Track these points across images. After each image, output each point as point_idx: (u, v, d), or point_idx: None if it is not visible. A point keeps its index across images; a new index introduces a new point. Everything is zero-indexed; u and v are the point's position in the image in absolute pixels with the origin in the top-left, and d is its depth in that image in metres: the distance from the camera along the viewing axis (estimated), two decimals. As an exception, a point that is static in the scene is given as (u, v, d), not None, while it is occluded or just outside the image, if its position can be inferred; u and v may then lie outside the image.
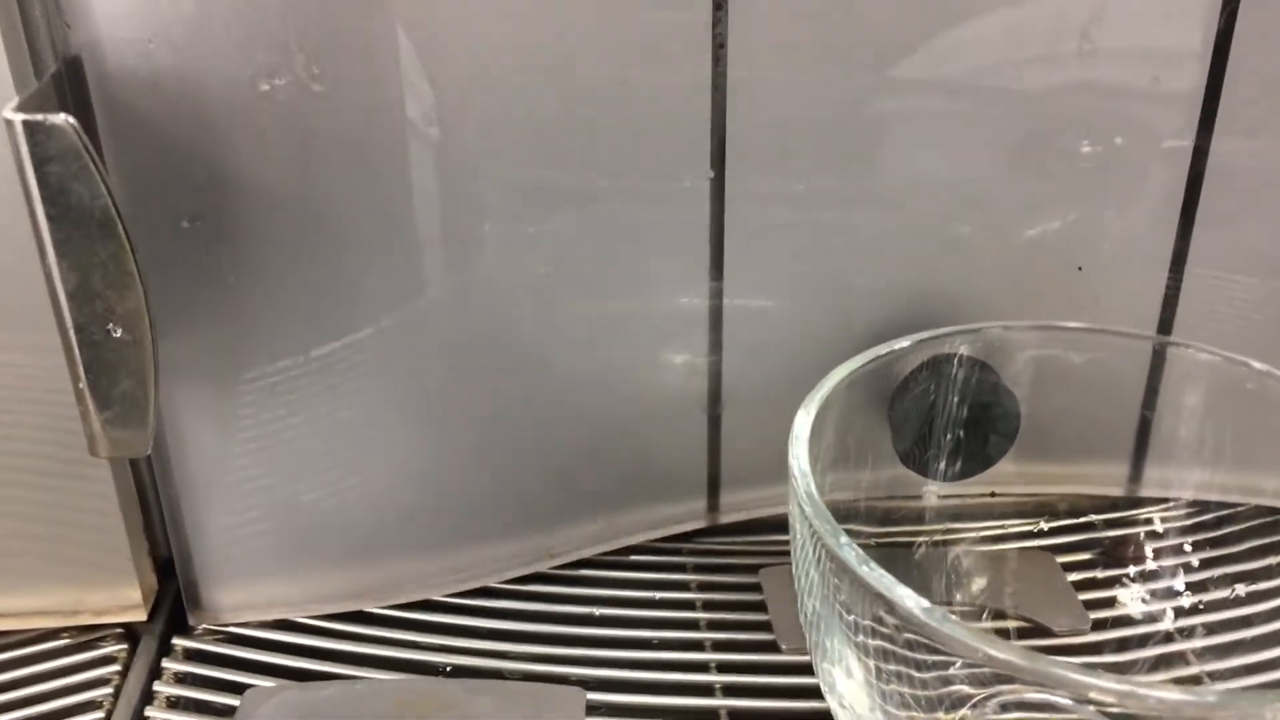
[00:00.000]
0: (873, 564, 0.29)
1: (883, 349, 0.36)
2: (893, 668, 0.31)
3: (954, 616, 0.28)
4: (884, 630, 0.30)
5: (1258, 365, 0.36)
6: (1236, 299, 0.45)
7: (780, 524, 0.47)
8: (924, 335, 0.37)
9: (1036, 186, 0.43)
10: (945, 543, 0.41)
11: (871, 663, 0.31)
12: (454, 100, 0.38)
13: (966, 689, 0.33)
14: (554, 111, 0.40)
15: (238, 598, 0.43)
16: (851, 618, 0.31)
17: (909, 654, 0.30)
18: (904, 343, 0.37)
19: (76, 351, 0.34)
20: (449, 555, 0.44)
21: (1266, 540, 0.38)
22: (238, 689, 0.40)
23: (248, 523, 0.43)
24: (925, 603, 0.28)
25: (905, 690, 0.32)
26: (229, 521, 0.42)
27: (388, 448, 0.43)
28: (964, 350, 0.40)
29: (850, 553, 0.29)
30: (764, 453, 0.43)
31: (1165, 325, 0.45)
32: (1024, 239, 0.44)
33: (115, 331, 0.34)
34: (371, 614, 0.43)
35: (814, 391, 0.34)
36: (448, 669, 0.41)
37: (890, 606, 0.28)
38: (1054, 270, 0.44)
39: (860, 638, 0.31)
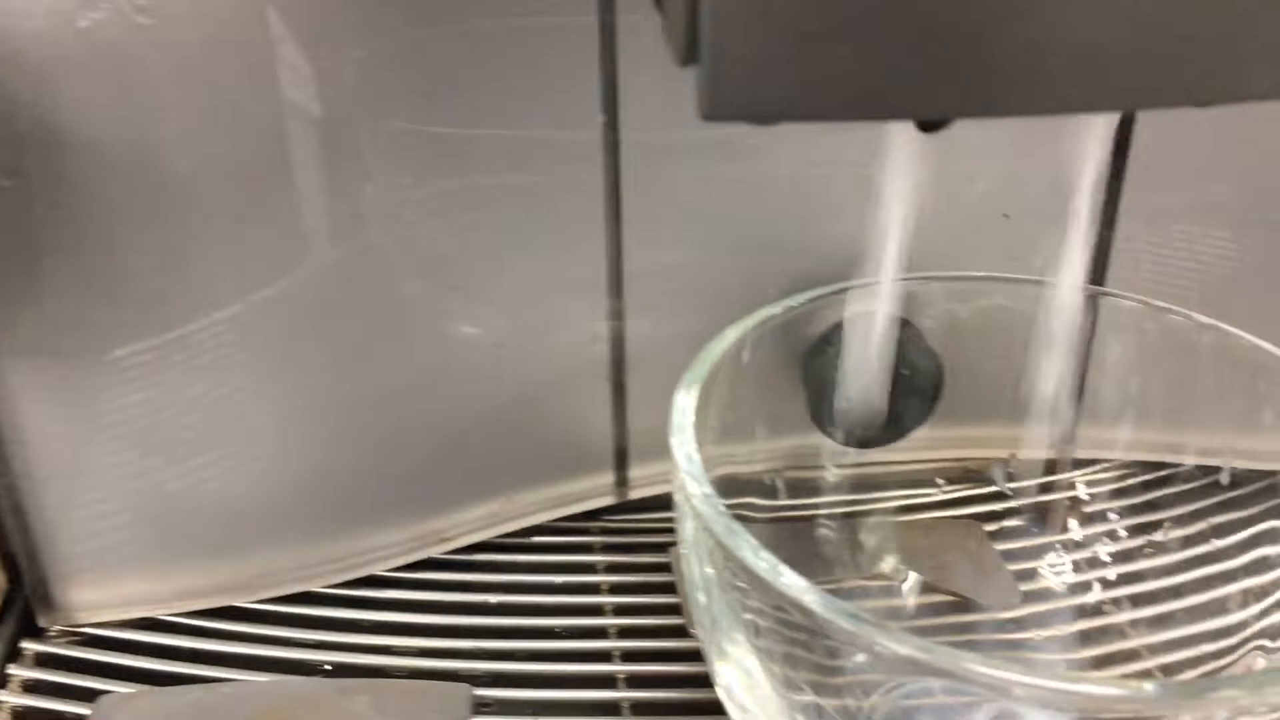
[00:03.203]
0: (769, 557, 0.26)
1: (776, 308, 0.33)
2: (798, 656, 0.28)
3: (860, 612, 0.24)
4: (786, 631, 0.27)
5: (1191, 315, 0.33)
6: (1170, 248, 0.42)
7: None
8: (821, 291, 0.34)
9: (962, 134, 0.40)
10: (864, 514, 0.38)
11: (772, 647, 0.28)
12: (321, 36, 0.35)
13: (877, 676, 0.30)
14: (438, 56, 0.36)
15: (94, 595, 0.39)
16: (749, 617, 0.28)
17: (814, 648, 0.27)
18: (798, 300, 0.33)
19: None
20: (329, 543, 0.40)
21: (1198, 505, 0.35)
22: (95, 696, 0.36)
23: (104, 514, 0.39)
24: (832, 601, 0.25)
25: (813, 676, 0.29)
26: (82, 513, 0.38)
27: (259, 428, 0.39)
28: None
29: (746, 547, 0.26)
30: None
31: (1098, 277, 0.43)
32: (951, 188, 0.41)
33: (-89, 301, 0.30)
34: (244, 609, 0.40)
35: (695, 363, 0.30)
36: (327, 667, 0.38)
37: (794, 605, 0.25)
38: (982, 220, 0.41)
39: (761, 641, 0.28)
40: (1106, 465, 0.37)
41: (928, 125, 0.23)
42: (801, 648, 0.27)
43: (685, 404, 0.29)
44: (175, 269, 0.36)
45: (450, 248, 0.39)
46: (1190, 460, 0.34)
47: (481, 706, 0.36)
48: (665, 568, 0.42)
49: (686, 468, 0.27)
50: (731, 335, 0.32)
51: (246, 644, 0.38)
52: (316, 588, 0.40)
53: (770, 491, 0.35)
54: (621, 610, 0.40)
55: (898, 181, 0.29)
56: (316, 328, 0.39)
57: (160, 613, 0.39)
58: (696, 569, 0.28)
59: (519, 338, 0.40)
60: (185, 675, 0.37)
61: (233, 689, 0.36)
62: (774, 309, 0.33)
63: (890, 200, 0.29)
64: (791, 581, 0.25)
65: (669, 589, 0.41)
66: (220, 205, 0.36)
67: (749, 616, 0.28)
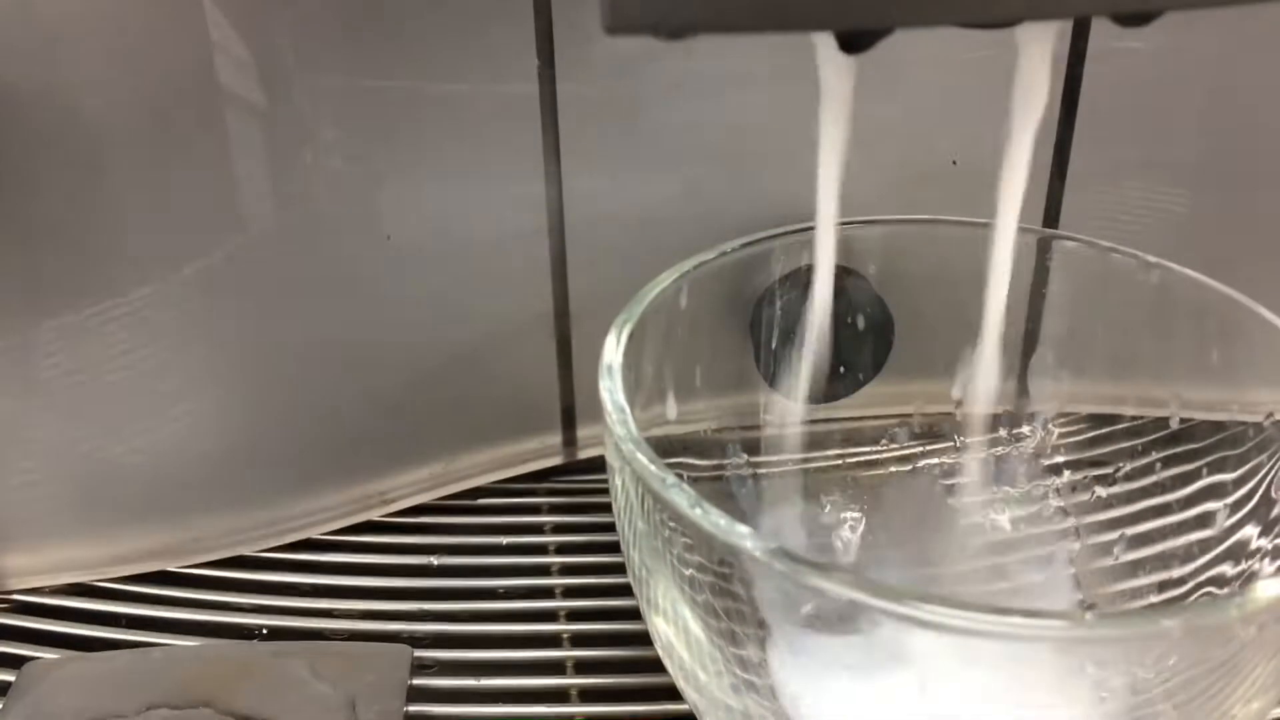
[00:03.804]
0: (707, 506, 0.25)
1: (710, 252, 0.32)
2: (734, 608, 0.27)
3: (804, 557, 0.24)
4: (722, 584, 0.26)
5: (1137, 254, 0.32)
6: (1124, 204, 0.42)
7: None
8: (755, 236, 0.33)
9: (910, 80, 0.39)
10: (812, 470, 0.37)
11: (708, 600, 0.27)
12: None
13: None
14: (369, 6, 0.35)
15: (25, 561, 0.38)
16: (689, 572, 0.27)
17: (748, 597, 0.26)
18: (732, 244, 0.32)
19: None
20: (265, 506, 0.39)
21: (1149, 458, 0.34)
22: (25, 664, 0.35)
23: (35, 480, 0.38)
24: (770, 545, 0.24)
25: (749, 629, 0.28)
26: (12, 480, 0.37)
27: (190, 391, 0.38)
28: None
29: (681, 496, 0.25)
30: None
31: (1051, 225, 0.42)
32: (899, 134, 0.40)
33: None
34: (179, 574, 0.39)
35: (628, 306, 0.30)
36: (263, 631, 0.37)
37: (732, 552, 0.24)
38: (930, 167, 0.40)
39: (699, 595, 0.27)
40: (1059, 416, 0.37)
41: (849, 44, 0.22)
42: (736, 599, 0.27)
43: (615, 346, 0.28)
44: (100, 231, 0.35)
45: (384, 200, 0.37)
46: (1139, 409, 0.34)
47: (422, 668, 0.35)
48: (613, 527, 0.41)
49: (614, 412, 0.27)
50: (666, 279, 0.31)
51: (180, 609, 0.37)
52: (249, 552, 0.39)
53: (711, 448, 0.34)
54: (568, 570, 0.39)
55: (832, 120, 0.28)
56: (248, 286, 0.37)
57: (92, 578, 0.38)
58: (625, 521, 0.27)
59: (458, 293, 0.39)
60: (118, 640, 0.36)
61: (163, 654, 0.35)
62: (707, 254, 0.32)
63: (826, 139, 0.28)
64: (720, 521, 0.24)
65: (617, 548, 0.40)
66: (144, 165, 0.35)
67: (688, 572, 0.27)
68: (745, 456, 0.36)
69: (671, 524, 0.26)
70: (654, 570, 0.28)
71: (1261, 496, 0.29)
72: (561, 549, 0.40)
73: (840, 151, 0.28)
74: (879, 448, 0.38)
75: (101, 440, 0.38)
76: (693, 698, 0.29)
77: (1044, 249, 0.34)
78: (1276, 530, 0.29)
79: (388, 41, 0.36)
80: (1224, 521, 0.31)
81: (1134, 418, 0.34)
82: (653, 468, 0.25)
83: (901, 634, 0.24)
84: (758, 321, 0.37)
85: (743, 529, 0.24)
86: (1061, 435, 0.36)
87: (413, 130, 0.37)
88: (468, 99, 0.37)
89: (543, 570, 0.40)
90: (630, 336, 0.29)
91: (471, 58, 0.36)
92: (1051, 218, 0.42)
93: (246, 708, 0.33)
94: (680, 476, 0.34)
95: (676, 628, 0.29)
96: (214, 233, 0.37)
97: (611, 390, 0.27)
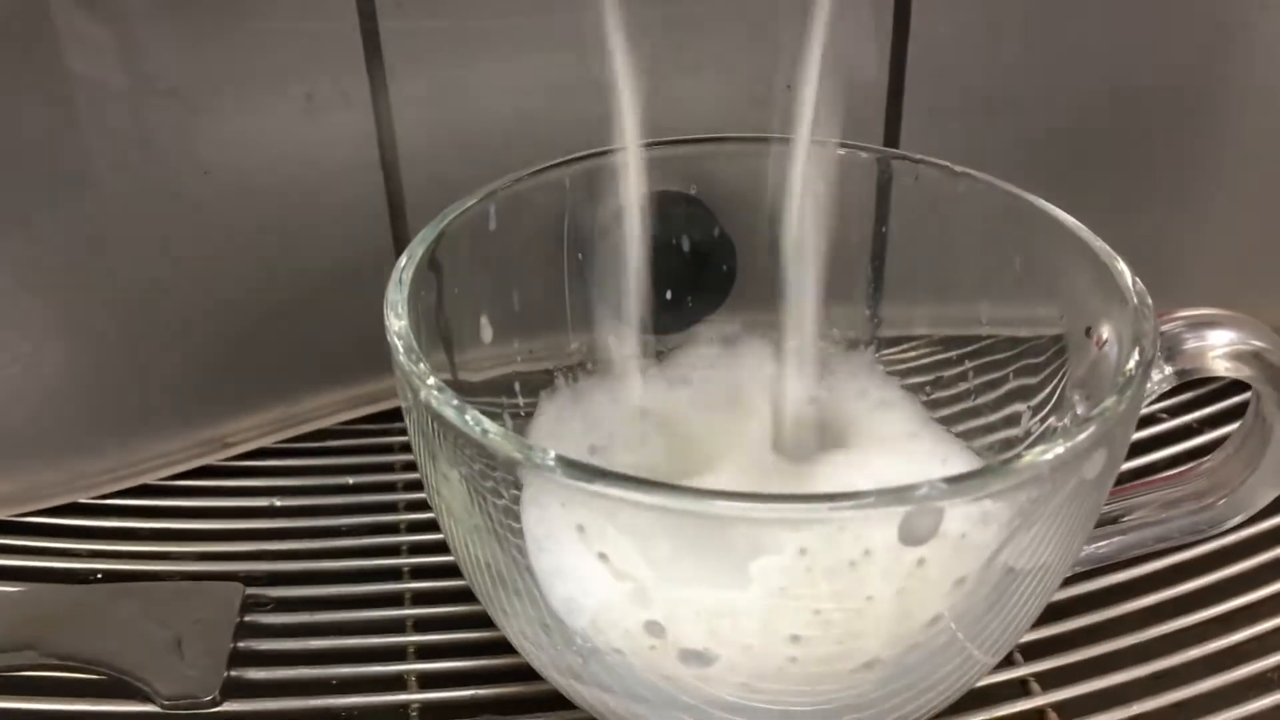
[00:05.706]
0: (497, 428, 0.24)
1: (506, 178, 0.31)
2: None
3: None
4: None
5: (954, 168, 0.33)
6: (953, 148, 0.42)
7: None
8: (557, 160, 0.33)
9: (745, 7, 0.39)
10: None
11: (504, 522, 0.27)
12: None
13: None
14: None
15: None
16: (502, 503, 0.26)
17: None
18: (532, 169, 0.32)
19: None
20: (102, 454, 0.39)
21: (997, 374, 0.35)
22: None
23: None
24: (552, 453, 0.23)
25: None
26: None
27: (24, 338, 0.37)
28: (659, 182, 0.36)
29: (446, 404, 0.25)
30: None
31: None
32: (730, 60, 0.40)
33: None
34: (12, 523, 0.38)
35: (424, 231, 0.29)
36: (99, 576, 0.37)
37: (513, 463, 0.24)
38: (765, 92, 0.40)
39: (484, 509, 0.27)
40: (885, 337, 0.37)
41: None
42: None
43: (406, 262, 0.28)
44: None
45: (210, 135, 0.37)
46: (954, 326, 0.34)
47: (256, 605, 0.35)
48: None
49: (397, 330, 0.26)
50: (469, 201, 0.31)
51: (14, 555, 0.37)
52: (82, 499, 0.39)
53: (537, 381, 0.34)
54: (413, 506, 0.39)
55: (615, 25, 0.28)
56: (76, 229, 0.37)
57: (-81, 531, 0.38)
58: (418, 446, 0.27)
59: (294, 231, 0.39)
60: (-52, 593, 0.36)
61: (-9, 600, 0.35)
62: (504, 179, 0.32)
63: (615, 55, 0.28)
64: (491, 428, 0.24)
65: (464, 483, 0.40)
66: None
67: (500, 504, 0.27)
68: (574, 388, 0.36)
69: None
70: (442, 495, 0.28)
71: (1059, 398, 0.30)
72: (410, 485, 0.40)
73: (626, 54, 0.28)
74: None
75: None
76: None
77: (855, 165, 0.34)
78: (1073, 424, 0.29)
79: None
80: (1028, 422, 0.31)
81: (948, 334, 0.34)
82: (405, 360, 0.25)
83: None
84: (586, 247, 0.37)
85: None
86: (885, 352, 0.37)
87: (238, 70, 0.36)
88: (287, 30, 0.36)
89: (389, 508, 0.39)
90: (428, 257, 0.29)
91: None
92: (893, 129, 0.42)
93: (72, 649, 0.33)
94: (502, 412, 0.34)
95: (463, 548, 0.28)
96: (35, 174, 0.36)
97: (395, 302, 0.27)
